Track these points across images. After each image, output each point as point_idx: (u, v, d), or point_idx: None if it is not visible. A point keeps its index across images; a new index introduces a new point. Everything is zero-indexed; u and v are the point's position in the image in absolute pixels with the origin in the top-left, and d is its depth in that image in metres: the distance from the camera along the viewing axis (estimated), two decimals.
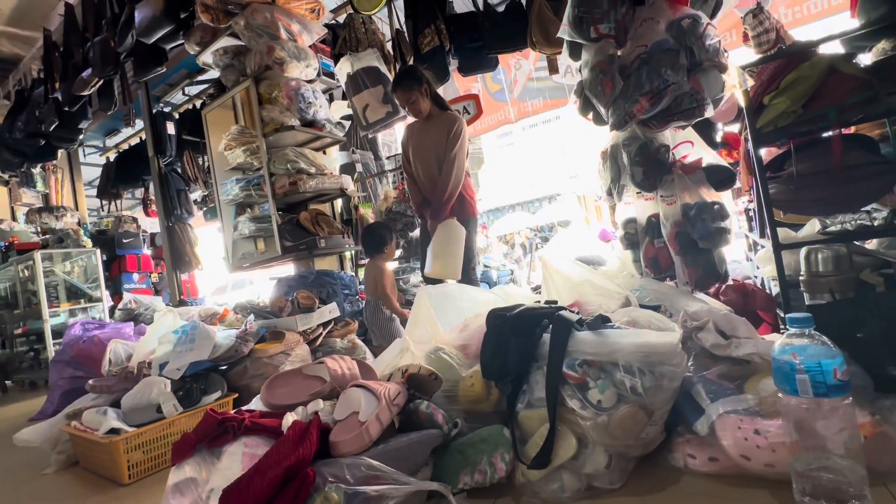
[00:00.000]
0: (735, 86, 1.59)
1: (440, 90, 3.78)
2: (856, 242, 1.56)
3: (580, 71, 1.74)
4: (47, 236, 4.51)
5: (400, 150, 4.15)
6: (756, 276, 2.11)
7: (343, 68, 3.38)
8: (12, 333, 4.27)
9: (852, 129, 1.74)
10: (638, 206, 1.74)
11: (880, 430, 0.86)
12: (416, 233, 3.36)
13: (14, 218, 5.46)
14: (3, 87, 5.05)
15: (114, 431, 1.49)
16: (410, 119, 2.59)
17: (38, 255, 3.83)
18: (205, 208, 5.15)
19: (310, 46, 2.89)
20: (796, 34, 3.56)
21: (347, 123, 3.37)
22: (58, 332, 3.83)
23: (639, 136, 1.60)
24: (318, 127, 2.78)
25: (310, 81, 2.86)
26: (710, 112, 1.50)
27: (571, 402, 0.96)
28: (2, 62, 4.90)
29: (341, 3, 3.73)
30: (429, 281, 2.39)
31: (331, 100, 3.85)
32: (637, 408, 0.92)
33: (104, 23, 3.32)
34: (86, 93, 3.56)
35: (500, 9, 3.13)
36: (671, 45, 1.50)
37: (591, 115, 1.83)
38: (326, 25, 3.31)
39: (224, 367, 1.96)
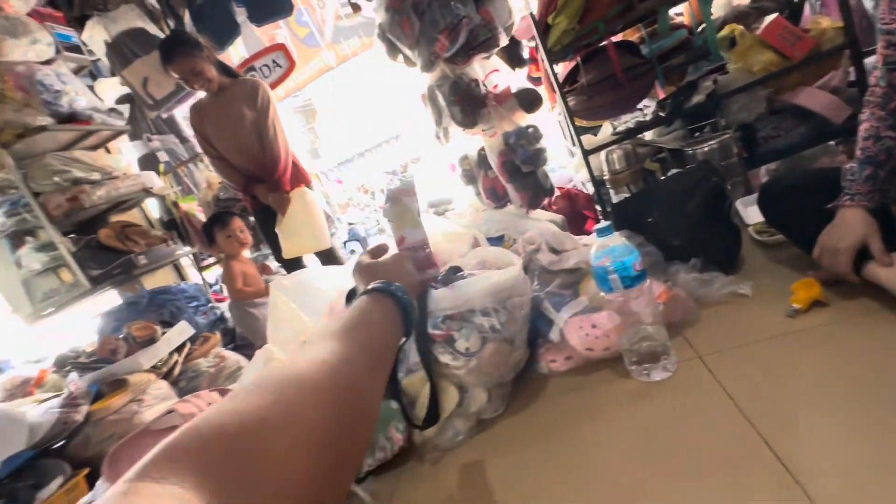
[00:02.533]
0: (521, 10, 1.67)
1: (238, 43, 3.29)
2: (638, 137, 1.87)
3: (375, 12, 1.63)
4: None
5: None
6: (575, 179, 2.43)
7: (95, 35, 2.68)
8: None
9: (620, 37, 2.00)
10: (466, 142, 1.79)
11: (671, 293, 1.08)
12: None
13: None
14: None
15: None
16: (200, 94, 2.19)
17: None
18: None
19: (30, 15, 2.17)
20: None
21: (127, 107, 2.73)
22: None
23: (448, 74, 1.60)
24: (82, 120, 2.19)
25: (47, 62, 2.19)
26: (504, 40, 1.56)
27: (444, 358, 1.01)
28: None
29: None
30: (288, 265, 2.22)
31: (93, 79, 3.06)
32: (500, 342, 1.01)
33: None
34: None
35: None
36: None
37: (400, 58, 1.76)
38: None
39: (60, 444, 1.61)
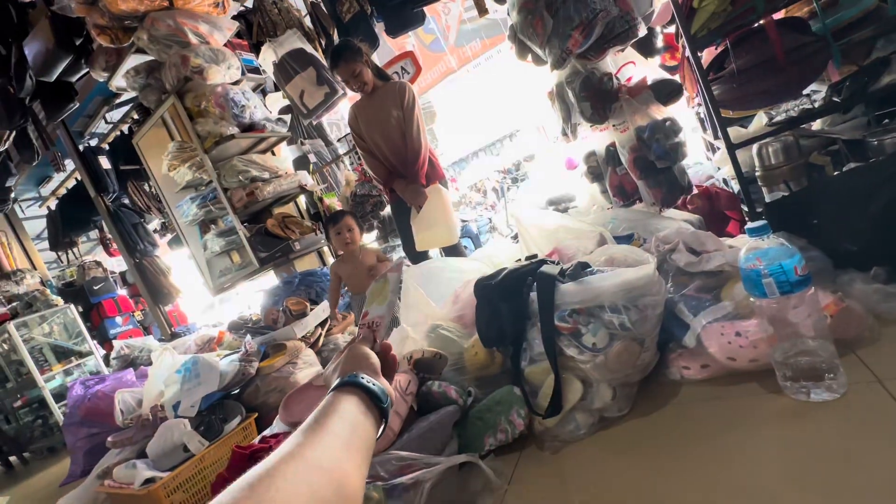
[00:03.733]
0: None
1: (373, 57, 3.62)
2: (802, 127, 1.62)
3: (508, 14, 1.68)
4: (14, 304, 4.33)
5: (349, 129, 4.02)
6: (717, 177, 2.19)
7: (267, 58, 3.19)
8: (13, 407, 4.19)
9: (782, 14, 1.75)
10: (594, 138, 1.75)
11: (843, 305, 0.94)
12: (388, 210, 3.34)
13: None
14: None
15: (149, 481, 1.52)
16: (353, 95, 2.48)
17: (10, 325, 3.70)
18: (168, 236, 4.97)
19: (225, 45, 2.70)
20: None
21: (288, 117, 3.23)
22: (59, 395, 3.78)
23: (580, 70, 1.58)
24: (258, 129, 2.66)
25: (236, 83, 2.70)
26: (643, 31, 1.49)
27: (569, 351, 1.02)
28: None
29: None
30: (415, 256, 2.37)
31: (264, 94, 3.66)
32: (629, 341, 0.99)
33: None
34: (1, 149, 3.30)
35: None
36: None
37: (529, 58, 1.79)
38: (236, 17, 3.08)
39: (237, 392, 1.99)
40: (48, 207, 5.29)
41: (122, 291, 5.27)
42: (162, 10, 2.40)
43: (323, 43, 3.45)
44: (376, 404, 0.56)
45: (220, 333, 2.81)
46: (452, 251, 2.27)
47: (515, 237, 2.69)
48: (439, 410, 1.08)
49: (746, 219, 1.80)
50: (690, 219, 1.60)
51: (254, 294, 3.27)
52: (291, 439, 0.44)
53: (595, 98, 1.57)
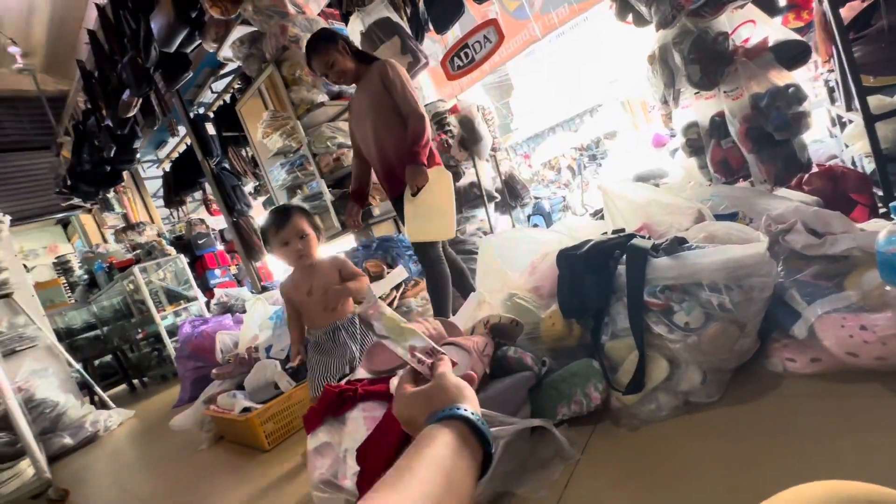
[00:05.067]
0: None
1: (457, 25, 3.56)
2: None
3: None
4: (137, 251, 5.02)
5: (430, 98, 4.03)
6: (841, 156, 1.91)
7: (355, 27, 3.27)
8: (135, 339, 4.92)
9: None
10: (698, 107, 1.60)
11: None
12: (463, 182, 3.34)
13: (105, 240, 6.11)
14: (60, 125, 5.45)
15: (246, 410, 1.73)
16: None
17: (136, 269, 4.30)
18: (261, 198, 5.42)
19: (318, 14, 2.81)
20: None
21: None
22: (171, 332, 4.36)
23: (690, 29, 1.43)
24: (346, 97, 2.76)
25: None
26: None
27: (658, 328, 0.97)
28: (52, 101, 5.27)
29: None
30: (416, 247, 2.12)
31: None
32: (727, 323, 0.92)
33: (126, 41, 3.42)
34: (130, 114, 3.76)
35: None
36: None
37: (630, 18, 1.66)
38: None
39: None
40: (163, 169, 5.99)
41: (220, 247, 5.88)
42: None
43: (408, 11, 3.46)
44: (482, 446, 0.46)
45: None
46: (452, 244, 2.04)
47: (594, 215, 2.58)
48: (514, 375, 1.09)
49: (878, 204, 1.56)
50: (807, 200, 1.42)
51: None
52: (379, 489, 0.38)
53: (706, 60, 1.41)
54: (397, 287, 2.40)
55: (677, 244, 1.01)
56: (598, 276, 1.09)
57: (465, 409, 0.47)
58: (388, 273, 2.36)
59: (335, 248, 3.75)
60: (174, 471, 1.93)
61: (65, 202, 5.68)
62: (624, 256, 1.05)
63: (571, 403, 1.08)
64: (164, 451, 2.24)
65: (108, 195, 5.59)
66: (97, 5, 3.54)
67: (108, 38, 3.64)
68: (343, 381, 1.16)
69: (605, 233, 1.28)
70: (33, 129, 5.63)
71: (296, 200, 3.20)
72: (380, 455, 0.86)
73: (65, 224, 7.00)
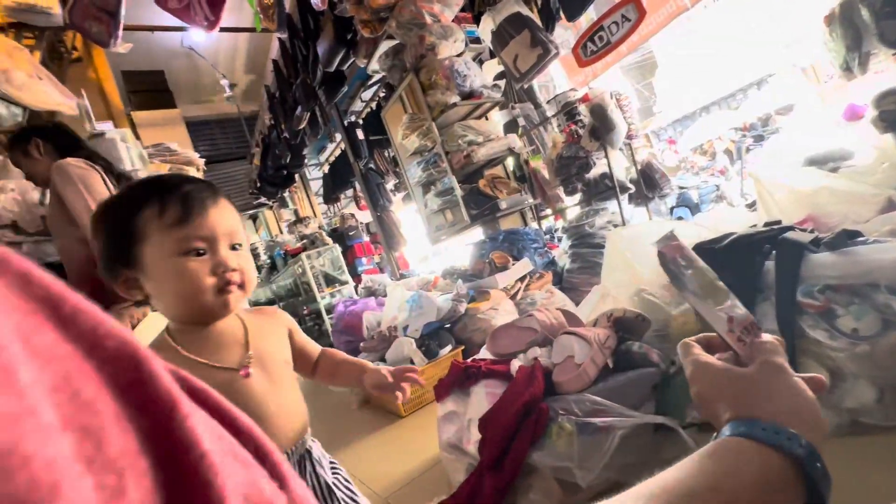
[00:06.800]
0: None
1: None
2: None
3: None
4: (304, 241, 6.02)
5: (561, 88, 3.94)
6: None
7: (486, 27, 3.38)
8: (302, 314, 5.92)
9: None
10: (894, 72, 1.30)
11: None
12: (593, 173, 3.22)
13: (281, 231, 7.44)
14: (253, 139, 6.81)
15: None
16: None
17: (303, 256, 5.16)
18: (400, 194, 5.99)
19: (453, 20, 2.99)
20: None
21: (502, 82, 3.40)
22: (328, 310, 5.14)
23: None
24: (476, 96, 2.90)
25: (460, 54, 2.98)
26: None
27: (814, 333, 0.86)
28: (248, 120, 6.59)
29: None
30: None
31: (481, 63, 3.92)
32: None
33: (298, 65, 4.12)
34: (301, 126, 4.52)
35: None
36: None
37: None
38: None
39: (448, 326, 2.35)
40: (323, 171, 7.02)
41: (366, 238, 6.67)
42: None
43: (539, 2, 3.45)
44: (808, 485, 0.32)
45: (436, 278, 3.31)
46: None
47: (752, 205, 2.24)
48: (638, 370, 1.07)
49: None
50: None
51: (463, 247, 3.70)
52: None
53: None
54: (522, 279, 2.45)
55: (846, 238, 0.87)
56: (741, 273, 1.00)
57: (808, 448, 0.32)
58: (513, 265, 2.43)
59: (463, 240, 3.97)
60: (329, 427, 2.32)
61: (255, 201, 7.08)
62: (774, 252, 0.94)
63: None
64: (324, 408, 2.70)
65: (284, 195, 6.79)
66: (279, 38, 4.32)
67: (286, 65, 4.42)
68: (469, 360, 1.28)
69: (755, 225, 1.15)
70: (236, 143, 7.11)
71: (430, 196, 3.47)
72: (499, 426, 0.95)
73: (254, 218, 8.71)
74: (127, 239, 0.60)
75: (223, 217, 0.64)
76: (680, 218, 5.61)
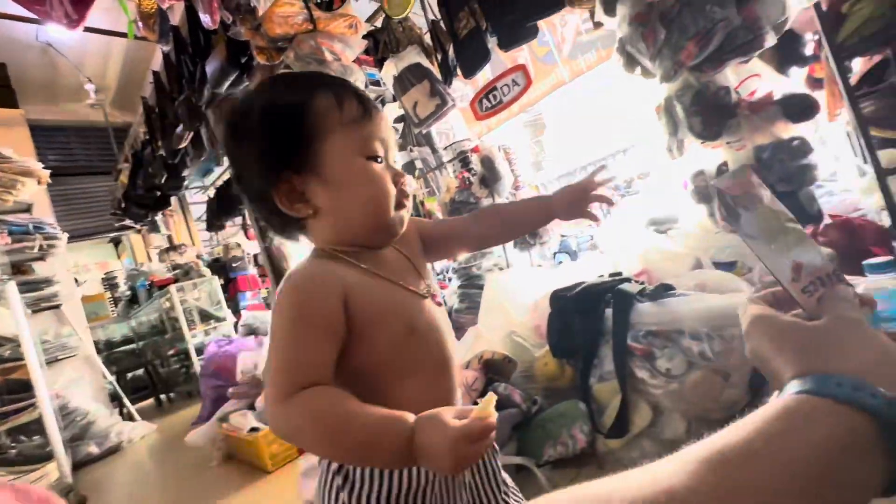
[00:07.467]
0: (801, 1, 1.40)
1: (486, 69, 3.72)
2: None
3: (618, 27, 1.65)
4: (177, 271, 5.34)
5: (456, 137, 4.20)
6: (865, 208, 1.86)
7: (388, 71, 3.51)
8: (166, 354, 5.15)
9: None
10: (704, 155, 1.63)
11: None
12: None
13: (149, 259, 6.53)
14: (122, 153, 6.00)
15: (254, 429, 1.80)
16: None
17: (173, 288, 4.57)
18: None
19: (354, 61, 3.05)
20: None
21: (401, 125, 3.50)
22: (199, 350, 4.55)
23: (692, 83, 1.49)
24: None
25: None
26: (771, 40, 1.35)
27: (641, 373, 0.98)
28: (117, 131, 5.83)
29: (374, 10, 3.84)
30: None
31: (382, 105, 4.02)
32: (709, 372, 0.92)
33: (184, 82, 3.81)
34: (182, 146, 4.12)
35: None
36: None
37: (637, 71, 1.73)
38: (366, 36, 3.45)
39: None
40: (208, 195, 6.42)
41: (252, 271, 6.15)
42: (307, 33, 2.80)
43: (439, 57, 3.69)
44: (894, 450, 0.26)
45: None
46: None
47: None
48: (501, 411, 1.11)
49: None
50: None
51: None
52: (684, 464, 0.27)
53: (708, 113, 1.45)
54: None
55: (663, 290, 1.03)
56: (588, 318, 1.12)
57: (873, 393, 0.27)
58: None
59: None
60: (184, 487, 2.00)
61: (118, 223, 6.15)
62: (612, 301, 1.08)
63: (557, 444, 1.08)
64: (178, 467, 2.33)
65: (156, 218, 6.02)
66: (163, 51, 3.97)
67: (169, 79, 4.05)
68: None
69: (602, 276, 1.31)
70: (98, 155, 6.20)
71: None
72: None
73: (116, 242, 7.54)
74: (301, 137, 0.50)
75: (389, 122, 0.58)
76: (560, 262, 6.18)
